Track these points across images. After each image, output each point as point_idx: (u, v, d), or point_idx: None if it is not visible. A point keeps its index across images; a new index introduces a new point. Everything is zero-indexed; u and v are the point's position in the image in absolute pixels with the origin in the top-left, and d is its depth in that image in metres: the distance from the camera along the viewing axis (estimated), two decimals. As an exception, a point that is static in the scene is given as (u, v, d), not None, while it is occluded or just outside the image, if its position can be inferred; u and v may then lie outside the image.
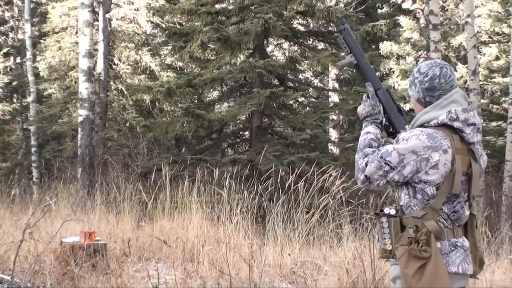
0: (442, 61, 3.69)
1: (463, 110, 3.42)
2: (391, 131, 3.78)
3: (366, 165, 3.50)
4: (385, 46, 19.01)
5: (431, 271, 3.29)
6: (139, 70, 19.41)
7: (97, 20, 18.98)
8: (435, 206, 3.39)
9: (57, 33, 20.23)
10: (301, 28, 17.23)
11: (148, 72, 19.41)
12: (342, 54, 10.04)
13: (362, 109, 3.79)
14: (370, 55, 14.58)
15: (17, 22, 25.68)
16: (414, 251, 3.33)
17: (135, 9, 19.04)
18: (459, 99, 3.49)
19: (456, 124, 3.41)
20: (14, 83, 24.89)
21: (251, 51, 14.56)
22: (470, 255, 3.46)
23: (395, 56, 19.70)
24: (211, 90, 17.07)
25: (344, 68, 15.58)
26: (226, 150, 16.76)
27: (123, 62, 19.38)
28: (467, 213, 3.51)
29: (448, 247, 3.40)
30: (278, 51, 21.48)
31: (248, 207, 9.35)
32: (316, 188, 9.22)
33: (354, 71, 19.33)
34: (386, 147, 3.48)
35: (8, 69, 24.81)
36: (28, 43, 21.80)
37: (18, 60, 26.49)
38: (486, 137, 17.88)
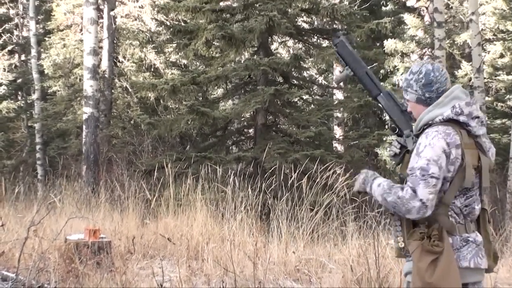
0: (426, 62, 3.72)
1: (466, 104, 3.46)
2: (398, 132, 3.80)
3: (414, 191, 3.35)
4: (390, 44, 18.98)
5: (443, 266, 3.32)
6: (143, 67, 19.43)
7: (102, 18, 18.99)
8: (447, 201, 3.42)
9: (61, 30, 20.26)
10: (306, 26, 17.17)
11: (152, 69, 19.42)
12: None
13: (358, 186, 3.75)
14: (374, 52, 14.58)
15: (21, 20, 25.68)
16: (427, 246, 3.37)
17: (139, 7, 19.06)
18: (460, 95, 3.54)
19: (461, 118, 3.44)
20: (19, 80, 24.92)
21: (255, 48, 14.55)
22: (483, 249, 3.49)
23: (400, 54, 19.66)
24: (216, 87, 17.06)
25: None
26: (230, 147, 16.75)
27: (128, 60, 19.40)
28: (479, 207, 3.54)
29: (460, 242, 3.43)
30: (283, 48, 21.47)
31: (252, 204, 9.35)
32: (320, 185, 9.22)
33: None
34: (414, 166, 3.42)
35: (13, 66, 24.84)
36: (32, 40, 21.83)
37: (22, 57, 26.51)
38: (491, 135, 17.84)
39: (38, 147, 21.40)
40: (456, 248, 3.41)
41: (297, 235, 8.66)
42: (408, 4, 21.49)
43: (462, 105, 3.46)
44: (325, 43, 16.42)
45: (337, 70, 21.27)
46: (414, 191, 3.34)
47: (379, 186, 3.53)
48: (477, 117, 3.47)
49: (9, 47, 23.78)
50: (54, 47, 19.97)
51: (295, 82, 15.19)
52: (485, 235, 3.56)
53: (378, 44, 20.18)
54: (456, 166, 3.40)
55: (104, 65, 18.87)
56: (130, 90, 18.96)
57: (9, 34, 24.95)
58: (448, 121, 3.46)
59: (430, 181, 3.34)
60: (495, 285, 6.86)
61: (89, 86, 16.18)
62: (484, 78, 16.45)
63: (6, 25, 24.77)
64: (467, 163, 3.39)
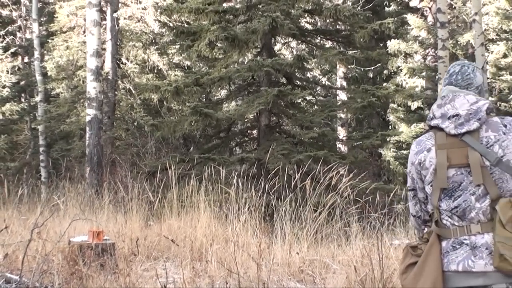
0: (471, 62, 3.63)
1: (438, 106, 3.40)
2: None
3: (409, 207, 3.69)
4: (393, 44, 18.97)
5: (415, 270, 3.29)
6: (147, 69, 19.46)
7: (105, 19, 19.02)
8: (433, 204, 3.35)
9: (64, 32, 20.30)
10: (309, 27, 17.21)
11: (156, 71, 19.44)
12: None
13: None
14: (377, 53, 14.57)
15: (24, 22, 25.70)
16: (410, 248, 3.41)
17: (142, 8, 19.08)
18: (444, 94, 3.47)
19: (433, 122, 3.41)
20: (22, 82, 24.93)
21: (258, 49, 14.55)
22: (484, 251, 3.18)
23: (403, 54, 19.65)
24: (219, 89, 17.05)
25: (352, 65, 15.58)
26: (234, 149, 16.75)
27: (131, 61, 19.43)
28: (478, 205, 3.25)
29: (451, 245, 3.27)
30: (286, 49, 21.53)
31: (256, 205, 9.35)
32: (324, 186, 9.22)
33: (362, 69, 19.35)
34: None
35: (16, 68, 24.81)
36: (35, 42, 21.82)
37: (26, 59, 26.53)
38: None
39: (41, 149, 21.41)
40: (446, 251, 3.28)
41: (301, 236, 8.65)
42: (411, 4, 21.48)
43: (434, 108, 3.44)
44: (328, 44, 16.41)
45: (340, 71, 21.29)
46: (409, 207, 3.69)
47: None
48: (455, 115, 3.32)
49: (12, 49, 23.76)
50: (57, 49, 19.99)
51: (299, 83, 15.18)
52: (492, 235, 3.22)
53: (381, 44, 20.18)
54: (431, 169, 3.35)
55: (107, 66, 18.89)
56: (133, 91, 18.98)
57: (12, 36, 24.98)
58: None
59: (409, 194, 3.60)
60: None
61: (92, 88, 16.18)
62: (488, 78, 16.44)
63: (9, 27, 24.78)
64: (439, 163, 3.30)
